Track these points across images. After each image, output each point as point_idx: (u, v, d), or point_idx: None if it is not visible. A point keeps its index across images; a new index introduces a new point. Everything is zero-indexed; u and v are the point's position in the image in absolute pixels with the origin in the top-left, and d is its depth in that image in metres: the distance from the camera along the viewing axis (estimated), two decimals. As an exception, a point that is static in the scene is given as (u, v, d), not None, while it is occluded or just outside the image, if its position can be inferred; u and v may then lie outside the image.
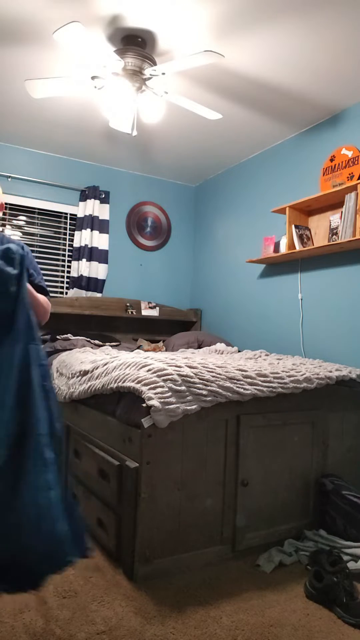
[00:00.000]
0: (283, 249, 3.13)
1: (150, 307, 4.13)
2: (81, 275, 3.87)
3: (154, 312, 4.13)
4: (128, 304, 4.03)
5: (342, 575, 1.73)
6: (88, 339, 3.40)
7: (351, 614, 1.62)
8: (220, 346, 3.50)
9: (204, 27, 2.25)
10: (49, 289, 1.72)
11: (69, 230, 4.02)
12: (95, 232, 3.94)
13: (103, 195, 4.02)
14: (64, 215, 4.01)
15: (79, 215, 3.96)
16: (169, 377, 1.88)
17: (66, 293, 3.99)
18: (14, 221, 3.85)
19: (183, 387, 1.87)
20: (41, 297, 1.53)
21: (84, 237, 3.89)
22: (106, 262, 4.02)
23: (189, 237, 4.57)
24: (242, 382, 2.01)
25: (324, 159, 3.05)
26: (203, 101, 2.89)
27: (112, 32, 2.33)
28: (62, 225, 4.03)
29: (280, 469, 2.16)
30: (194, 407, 1.85)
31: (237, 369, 2.08)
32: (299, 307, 3.21)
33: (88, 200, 3.93)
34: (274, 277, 3.48)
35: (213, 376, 1.97)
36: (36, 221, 3.92)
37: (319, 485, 2.24)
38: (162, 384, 1.85)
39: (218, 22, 2.20)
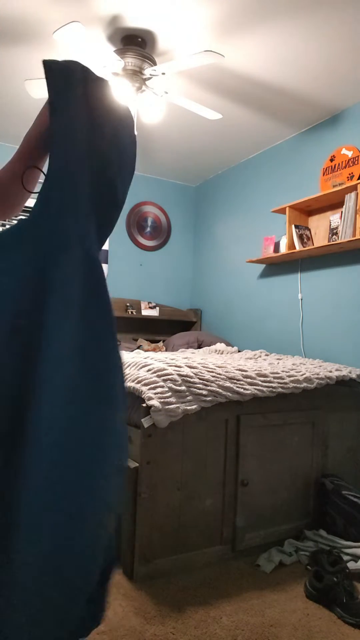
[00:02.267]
0: (283, 249, 3.13)
1: (150, 307, 4.13)
2: (81, 275, 3.87)
3: (154, 312, 4.13)
4: (128, 304, 4.03)
5: (342, 575, 1.73)
6: (88, 339, 3.39)
7: (351, 614, 1.62)
8: (220, 346, 3.50)
9: (204, 27, 2.25)
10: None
11: (69, 230, 4.02)
12: (95, 232, 3.94)
13: (103, 195, 4.01)
14: (64, 215, 4.01)
15: (79, 215, 3.96)
16: (169, 377, 1.88)
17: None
18: (14, 221, 3.84)
19: (183, 387, 1.87)
20: None
21: (84, 237, 3.89)
22: (106, 262, 4.02)
23: (189, 237, 4.57)
24: (242, 382, 2.01)
25: (324, 159, 3.05)
26: (203, 101, 2.89)
27: (112, 32, 2.33)
28: (62, 225, 4.03)
29: (280, 469, 2.16)
30: (194, 407, 1.85)
31: (237, 369, 2.08)
32: (299, 307, 3.21)
33: (88, 200, 3.93)
34: (274, 277, 3.48)
35: (213, 376, 1.97)
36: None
37: (319, 485, 2.24)
38: (162, 384, 1.85)
39: (218, 22, 2.20)
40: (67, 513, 0.80)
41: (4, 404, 0.78)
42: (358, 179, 2.75)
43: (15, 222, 0.89)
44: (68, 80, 0.91)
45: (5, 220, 1.00)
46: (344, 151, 2.90)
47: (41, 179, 0.94)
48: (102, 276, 0.91)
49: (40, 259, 0.84)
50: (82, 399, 0.84)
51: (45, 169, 0.92)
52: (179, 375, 1.90)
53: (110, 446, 0.88)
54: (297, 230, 3.01)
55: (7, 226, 0.87)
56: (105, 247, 4.02)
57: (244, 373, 2.06)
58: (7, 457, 0.78)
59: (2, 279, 0.81)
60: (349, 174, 2.84)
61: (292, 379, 2.15)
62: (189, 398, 1.86)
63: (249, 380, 2.04)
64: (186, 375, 1.91)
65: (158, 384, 1.85)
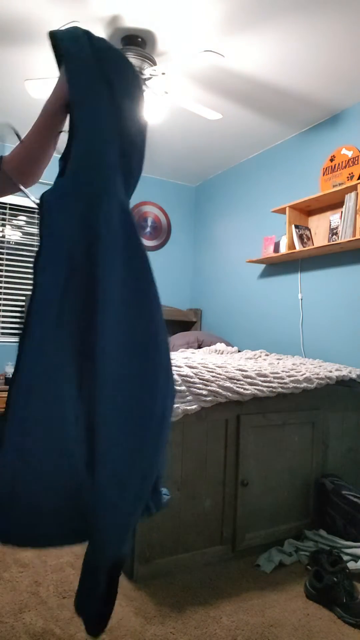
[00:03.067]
0: (283, 249, 3.13)
1: (150, 307, 4.12)
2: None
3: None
4: (128, 304, 4.03)
5: (342, 575, 1.73)
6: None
7: (351, 614, 1.62)
8: (220, 346, 3.50)
9: (203, 27, 2.25)
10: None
11: (69, 230, 4.01)
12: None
13: (103, 195, 4.01)
14: (64, 215, 4.00)
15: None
16: (169, 377, 1.88)
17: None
18: (14, 221, 3.85)
19: (183, 387, 1.87)
20: None
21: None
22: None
23: (189, 237, 4.57)
24: (242, 382, 2.01)
25: (324, 159, 3.05)
26: (203, 101, 2.89)
27: (112, 32, 2.33)
28: (62, 225, 4.03)
29: (280, 469, 2.16)
30: (194, 407, 1.85)
31: (237, 369, 2.08)
32: (299, 307, 3.21)
33: (88, 200, 3.93)
34: (274, 277, 3.48)
35: (213, 376, 1.96)
36: (36, 221, 3.92)
37: (319, 485, 2.24)
38: (162, 384, 1.85)
39: (218, 22, 2.20)
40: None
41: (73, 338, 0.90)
42: (358, 179, 2.75)
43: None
44: (77, 46, 0.97)
45: (32, 185, 1.09)
46: (344, 151, 2.90)
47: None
48: (135, 222, 0.99)
49: (85, 209, 0.92)
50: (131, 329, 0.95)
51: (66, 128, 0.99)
52: (179, 375, 1.90)
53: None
54: (297, 230, 3.01)
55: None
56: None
57: (244, 373, 2.06)
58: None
59: (59, 225, 0.91)
60: (349, 174, 2.84)
61: (292, 379, 2.14)
62: (189, 398, 1.86)
63: (249, 380, 2.03)
64: (186, 375, 1.91)
65: (158, 384, 1.84)
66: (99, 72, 0.97)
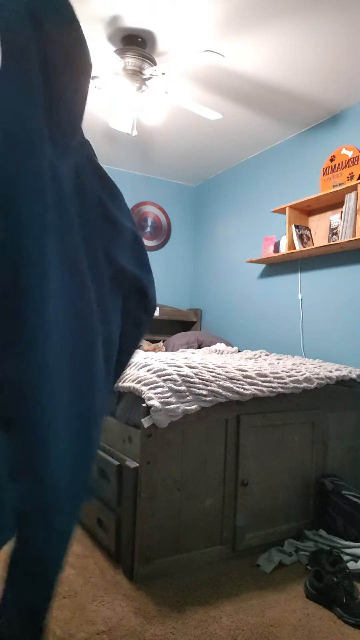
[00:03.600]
0: (283, 249, 3.13)
1: (150, 307, 4.12)
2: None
3: (154, 312, 4.12)
4: (128, 304, 4.03)
5: (342, 575, 1.73)
6: (88, 339, 3.39)
7: (351, 614, 1.62)
8: (220, 346, 3.50)
9: (204, 27, 2.25)
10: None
11: (69, 230, 4.01)
12: (95, 232, 3.94)
13: (103, 195, 4.01)
14: (64, 215, 4.00)
15: (79, 215, 3.96)
16: (169, 377, 1.88)
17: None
18: None
19: (183, 387, 1.87)
20: None
21: (84, 237, 3.89)
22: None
23: (189, 237, 4.57)
24: (242, 382, 2.01)
25: (324, 159, 3.05)
26: (203, 101, 2.89)
27: (112, 32, 2.33)
28: (62, 225, 4.03)
29: (280, 469, 2.16)
30: (194, 407, 1.85)
31: (237, 369, 2.08)
32: (299, 307, 3.21)
33: (88, 200, 3.93)
34: (274, 277, 3.48)
35: (213, 376, 1.97)
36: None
37: (319, 485, 2.24)
38: (162, 384, 1.85)
39: (218, 22, 2.20)
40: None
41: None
42: (358, 179, 2.75)
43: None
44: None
45: None
46: (344, 151, 2.90)
47: None
48: (65, 186, 0.82)
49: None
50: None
51: None
52: (179, 375, 1.90)
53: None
54: (297, 230, 3.01)
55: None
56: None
57: (244, 373, 2.06)
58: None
59: None
60: (349, 174, 2.84)
61: (292, 379, 2.14)
62: (189, 398, 1.86)
63: (249, 380, 2.03)
64: (186, 375, 1.91)
65: (158, 384, 1.85)
66: (27, 14, 0.75)
